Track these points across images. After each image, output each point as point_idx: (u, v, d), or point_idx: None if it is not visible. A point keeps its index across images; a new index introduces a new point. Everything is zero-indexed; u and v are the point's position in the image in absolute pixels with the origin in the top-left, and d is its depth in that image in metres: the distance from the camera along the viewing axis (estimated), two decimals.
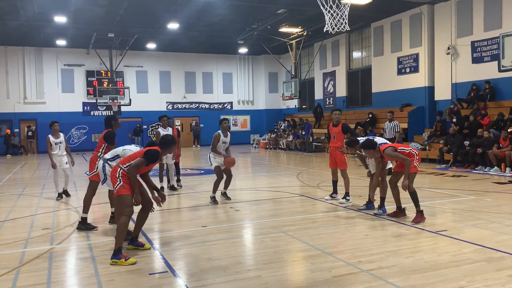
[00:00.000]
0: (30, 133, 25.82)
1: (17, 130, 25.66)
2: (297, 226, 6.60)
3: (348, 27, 4.39)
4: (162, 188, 9.92)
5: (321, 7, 4.63)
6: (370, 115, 20.06)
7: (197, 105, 29.48)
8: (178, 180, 11.08)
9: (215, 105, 29.89)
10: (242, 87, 30.79)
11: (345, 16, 4.42)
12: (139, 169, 5.33)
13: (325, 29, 4.31)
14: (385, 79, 20.47)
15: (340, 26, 4.48)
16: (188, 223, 7.30)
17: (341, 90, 24.26)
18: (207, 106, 29.62)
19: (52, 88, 26.22)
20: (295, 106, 29.11)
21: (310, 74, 27.16)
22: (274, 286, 4.22)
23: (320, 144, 22.59)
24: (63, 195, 9.70)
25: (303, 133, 23.58)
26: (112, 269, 4.85)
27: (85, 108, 27.01)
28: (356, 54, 23.68)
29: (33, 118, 25.87)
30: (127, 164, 5.32)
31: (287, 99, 26.34)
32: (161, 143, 5.57)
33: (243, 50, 27.77)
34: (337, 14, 4.26)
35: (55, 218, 7.85)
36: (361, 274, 4.45)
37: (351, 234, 6.10)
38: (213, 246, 5.67)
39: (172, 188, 10.47)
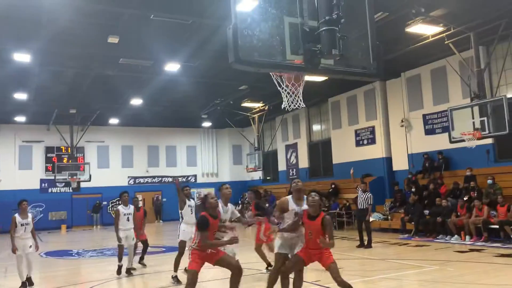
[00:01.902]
0: None
1: None
2: None
3: (303, 104, 4.64)
4: (120, 267, 9.33)
5: (277, 86, 4.84)
6: (333, 186, 20.36)
7: (160, 179, 29.09)
8: (142, 258, 10.71)
9: (178, 178, 29.57)
10: (206, 160, 30.83)
11: (300, 94, 4.65)
12: (208, 238, 5.51)
13: (282, 106, 4.53)
14: (345, 150, 21.09)
15: (296, 104, 4.69)
16: None
17: (304, 162, 24.72)
18: (170, 179, 29.26)
19: (8, 165, 25.31)
20: (260, 177, 29.26)
21: (273, 146, 27.68)
22: None
23: None
24: (27, 284, 8.54)
25: (267, 205, 23.46)
26: None
27: (43, 185, 26.06)
28: (316, 127, 24.48)
29: None
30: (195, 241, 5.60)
31: (251, 171, 26.50)
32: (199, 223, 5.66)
33: (206, 124, 28.18)
34: (293, 93, 4.49)
35: None
36: None
37: None
38: None
39: (128, 271, 9.43)
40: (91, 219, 25.79)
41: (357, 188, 13.14)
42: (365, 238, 12.45)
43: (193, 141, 30.45)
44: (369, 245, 12.31)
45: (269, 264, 8.67)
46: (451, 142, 13.32)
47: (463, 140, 12.54)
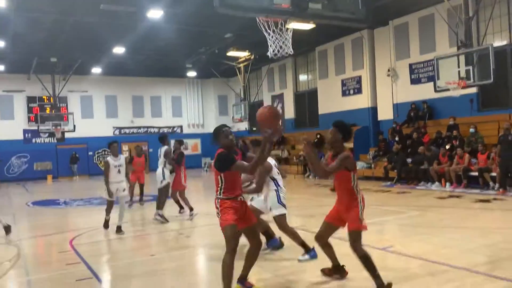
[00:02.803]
0: None
1: None
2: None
3: (291, 51, 4.49)
4: (107, 221, 8.67)
5: (264, 33, 4.72)
6: (318, 136, 20.51)
7: (146, 129, 28.94)
8: (141, 200, 12.45)
9: (164, 129, 29.45)
10: (192, 110, 30.64)
11: (288, 41, 4.53)
12: (232, 178, 4.41)
13: (268, 54, 4.39)
14: (331, 100, 21.09)
15: (282, 52, 4.58)
16: (136, 252, 7.05)
17: (290, 112, 24.73)
18: (156, 130, 29.14)
19: None
20: (246, 128, 29.29)
21: (259, 96, 27.52)
22: None
23: None
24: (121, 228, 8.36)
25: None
26: None
27: (26, 135, 25.75)
28: (302, 77, 24.29)
29: None
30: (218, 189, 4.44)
31: (238, 122, 26.48)
32: (215, 136, 4.55)
33: (191, 73, 27.73)
34: (279, 40, 4.37)
35: None
36: None
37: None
38: (163, 276, 5.50)
39: (119, 230, 8.34)
40: (69, 170, 25.75)
41: None
42: None
43: (178, 91, 30.09)
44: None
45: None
46: (436, 91, 13.37)
47: (448, 89, 12.59)
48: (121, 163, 8.51)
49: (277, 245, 6.27)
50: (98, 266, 6.12)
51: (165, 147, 9.65)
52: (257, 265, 4.74)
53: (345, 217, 4.56)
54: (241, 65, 24.49)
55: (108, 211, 8.63)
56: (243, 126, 29.08)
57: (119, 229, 8.26)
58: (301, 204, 11.24)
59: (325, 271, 4.97)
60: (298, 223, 7.94)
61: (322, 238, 4.82)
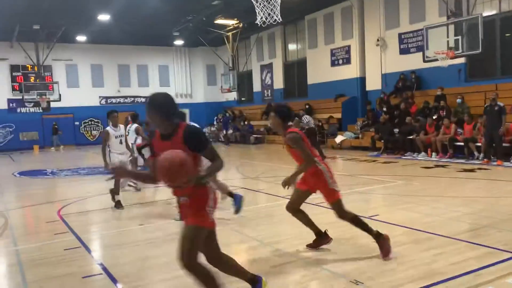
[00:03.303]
0: None
1: None
2: (238, 219, 6.61)
3: (280, 18, 4.38)
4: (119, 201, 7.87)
5: (252, 0, 4.61)
6: (307, 106, 20.50)
7: (133, 99, 28.60)
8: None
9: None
10: (180, 80, 30.27)
11: (276, 8, 4.42)
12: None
13: (257, 21, 4.29)
14: (320, 71, 20.97)
15: (270, 19, 4.48)
16: (124, 222, 7.08)
17: (279, 82, 24.58)
18: (143, 100, 28.81)
19: None
20: (234, 98, 29.11)
21: (248, 66, 27.23)
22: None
23: (260, 136, 22.93)
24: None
25: (242, 124, 23.70)
26: (41, 275, 4.59)
27: (11, 105, 25.29)
28: (291, 46, 24.03)
29: None
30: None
31: (226, 92, 26.29)
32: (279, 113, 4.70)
33: (179, 42, 27.25)
34: (268, 8, 4.26)
35: None
36: (298, 262, 4.55)
37: (290, 224, 6.18)
38: (150, 244, 5.55)
39: (118, 204, 7.87)
40: (63, 140, 25.47)
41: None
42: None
43: (165, 60, 29.62)
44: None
45: None
46: (424, 61, 13.38)
47: (437, 60, 12.60)
48: (121, 133, 8.14)
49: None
50: (86, 235, 6.15)
51: (135, 125, 10.81)
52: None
53: (316, 189, 4.75)
54: (230, 33, 24.10)
55: (116, 188, 7.82)
56: (232, 96, 28.91)
57: (118, 204, 7.82)
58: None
59: (311, 245, 4.97)
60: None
61: (293, 205, 4.89)
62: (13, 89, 25.04)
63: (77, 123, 26.66)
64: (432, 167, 11.40)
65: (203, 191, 3.19)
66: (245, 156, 17.71)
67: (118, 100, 28.07)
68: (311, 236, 4.96)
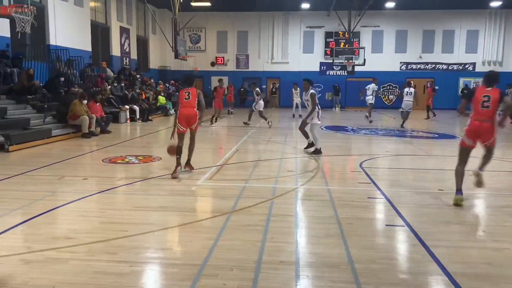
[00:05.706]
0: (274, 90, 29.00)
1: (264, 86, 29.17)
2: None
3: None
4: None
5: None
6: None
7: (434, 65, 27.71)
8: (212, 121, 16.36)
9: (454, 66, 27.54)
10: (490, 46, 27.35)
11: None
12: None
13: None
14: None
15: None
16: (423, 184, 7.26)
17: None
18: (444, 67, 27.55)
19: (295, 49, 28.62)
20: None
21: None
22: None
23: None
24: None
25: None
26: (347, 215, 5.30)
27: (322, 68, 28.61)
28: None
29: (277, 76, 28.95)
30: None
31: None
32: None
33: (495, 3, 24.43)
34: None
35: (298, 163, 8.92)
36: None
37: None
38: (449, 211, 5.60)
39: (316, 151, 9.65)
40: (361, 103, 27.14)
41: None
42: None
43: (475, 24, 27.24)
44: None
45: None
46: None
47: None
48: (308, 98, 9.66)
49: None
50: (387, 189, 6.62)
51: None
52: None
53: None
54: None
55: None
56: None
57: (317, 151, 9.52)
58: None
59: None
60: None
61: None
62: (325, 53, 28.16)
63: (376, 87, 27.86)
64: None
65: None
66: None
67: (418, 66, 27.79)
68: None
